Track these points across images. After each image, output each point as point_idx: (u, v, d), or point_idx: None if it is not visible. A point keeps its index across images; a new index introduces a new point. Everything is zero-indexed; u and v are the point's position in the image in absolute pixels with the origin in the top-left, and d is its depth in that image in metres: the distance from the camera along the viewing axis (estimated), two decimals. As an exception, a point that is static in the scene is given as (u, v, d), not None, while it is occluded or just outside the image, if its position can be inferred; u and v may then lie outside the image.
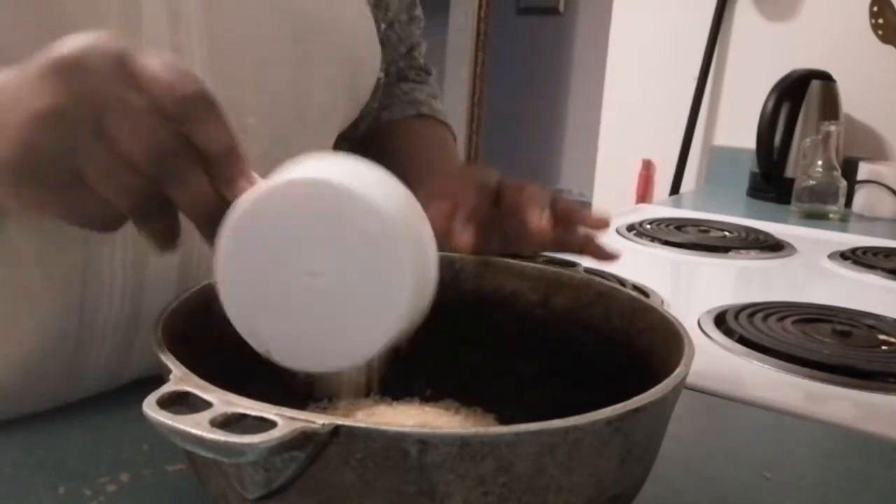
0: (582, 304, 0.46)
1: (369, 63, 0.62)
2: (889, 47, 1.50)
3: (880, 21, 1.50)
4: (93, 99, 0.33)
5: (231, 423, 0.26)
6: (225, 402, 0.27)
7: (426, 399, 0.49)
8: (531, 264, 0.47)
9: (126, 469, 0.43)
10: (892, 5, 1.49)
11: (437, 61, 3.50)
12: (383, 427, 0.27)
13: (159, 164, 0.33)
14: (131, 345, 0.51)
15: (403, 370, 0.43)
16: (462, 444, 0.27)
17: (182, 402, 0.28)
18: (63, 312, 0.48)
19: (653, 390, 0.32)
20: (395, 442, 0.27)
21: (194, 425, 0.25)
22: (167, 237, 0.37)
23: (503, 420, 0.46)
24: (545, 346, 0.47)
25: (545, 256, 0.48)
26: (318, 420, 0.26)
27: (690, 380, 0.63)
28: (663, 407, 0.34)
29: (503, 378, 0.48)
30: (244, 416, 0.27)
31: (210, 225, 0.34)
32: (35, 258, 0.47)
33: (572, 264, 0.48)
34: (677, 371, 0.34)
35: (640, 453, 0.34)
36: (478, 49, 3.58)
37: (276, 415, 0.26)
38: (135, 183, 0.34)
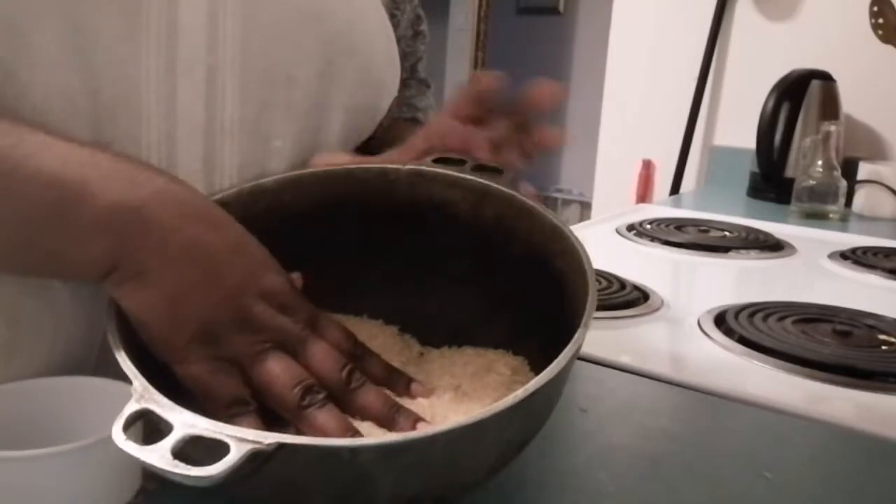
0: (507, 215, 0.48)
1: (389, 86, 0.62)
2: (889, 47, 1.50)
3: (880, 21, 1.50)
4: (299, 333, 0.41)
5: (190, 444, 0.31)
6: (183, 424, 0.31)
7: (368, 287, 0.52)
8: (461, 175, 0.48)
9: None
10: (892, 5, 1.49)
11: (437, 61, 3.51)
12: (320, 442, 0.33)
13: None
14: None
15: (350, 273, 0.50)
16: (387, 448, 0.33)
17: (146, 415, 0.32)
18: (88, 335, 0.48)
19: (540, 379, 0.35)
20: (330, 449, 0.32)
21: (159, 459, 0.30)
22: None
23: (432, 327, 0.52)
24: (476, 248, 0.50)
25: (475, 162, 0.49)
26: (265, 440, 0.30)
27: (690, 380, 0.64)
28: (558, 382, 0.36)
29: (438, 273, 0.52)
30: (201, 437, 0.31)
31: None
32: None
33: (499, 171, 0.49)
34: (557, 360, 0.36)
35: (540, 417, 0.39)
36: (478, 49, 3.58)
37: (229, 437, 0.30)
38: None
